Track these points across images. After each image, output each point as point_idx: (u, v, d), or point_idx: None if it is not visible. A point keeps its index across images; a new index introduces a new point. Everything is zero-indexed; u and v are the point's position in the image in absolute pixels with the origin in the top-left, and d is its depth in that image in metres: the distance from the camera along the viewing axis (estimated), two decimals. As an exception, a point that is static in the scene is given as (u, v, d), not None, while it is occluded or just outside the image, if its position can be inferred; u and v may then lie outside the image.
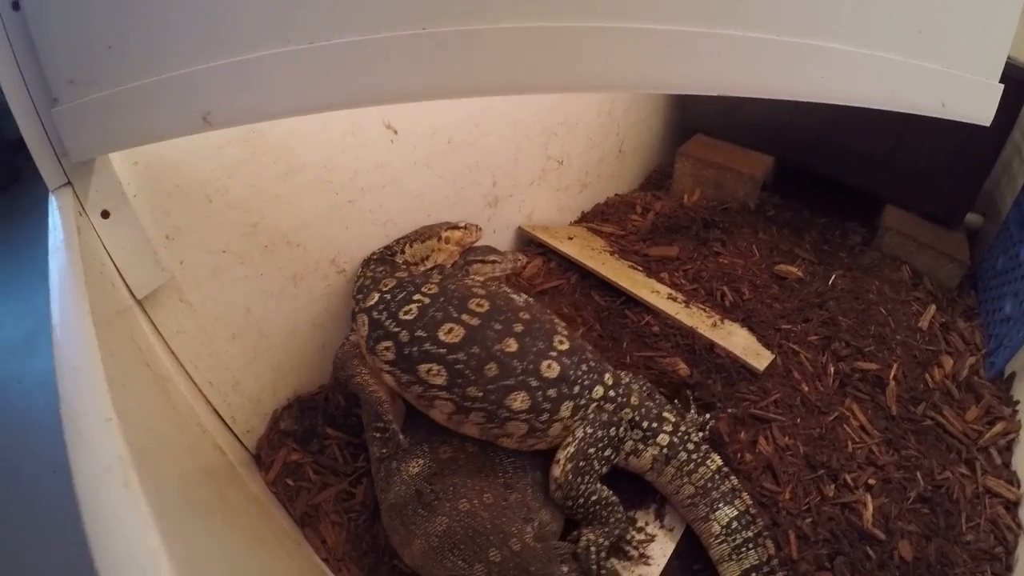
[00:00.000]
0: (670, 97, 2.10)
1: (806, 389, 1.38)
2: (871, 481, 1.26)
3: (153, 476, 0.57)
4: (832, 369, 1.44)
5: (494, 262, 1.48)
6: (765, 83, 0.73)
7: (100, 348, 0.66)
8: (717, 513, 1.13)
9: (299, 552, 1.04)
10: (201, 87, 0.73)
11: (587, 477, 1.11)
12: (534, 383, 1.08)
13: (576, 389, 1.12)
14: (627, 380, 1.21)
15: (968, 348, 1.54)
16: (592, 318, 1.57)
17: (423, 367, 1.09)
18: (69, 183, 0.90)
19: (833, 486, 1.25)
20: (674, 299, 1.58)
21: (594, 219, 1.97)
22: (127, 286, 1.02)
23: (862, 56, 0.73)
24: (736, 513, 1.12)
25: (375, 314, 1.16)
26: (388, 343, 1.12)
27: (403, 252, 1.40)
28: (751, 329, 1.51)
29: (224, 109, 0.75)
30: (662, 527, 1.21)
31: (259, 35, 0.70)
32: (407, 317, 1.12)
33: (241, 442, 1.33)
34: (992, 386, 1.45)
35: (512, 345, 1.09)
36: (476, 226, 1.55)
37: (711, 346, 1.46)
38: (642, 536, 1.19)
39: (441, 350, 1.08)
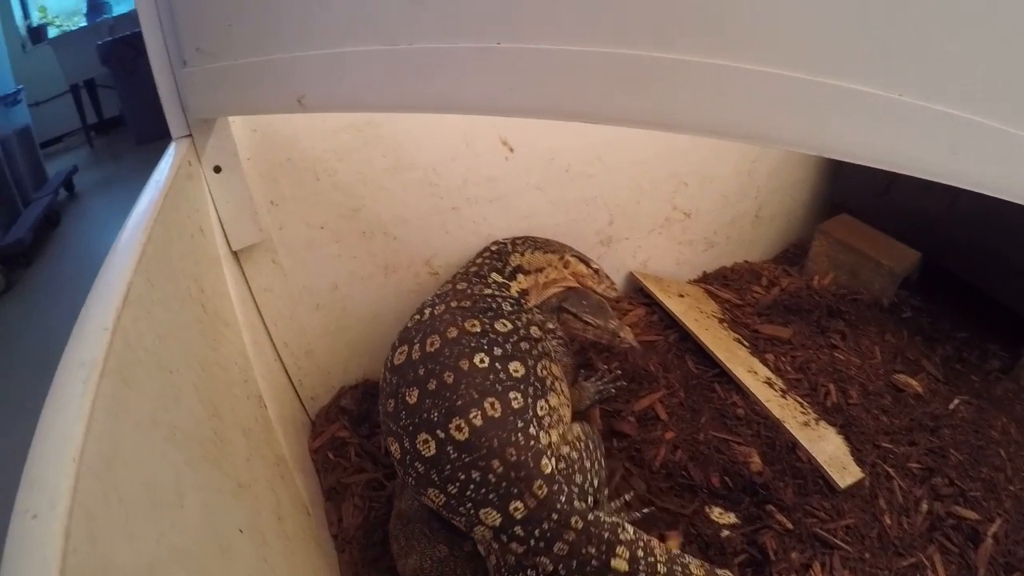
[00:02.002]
0: (819, 168, 1.91)
1: (888, 522, 1.18)
2: (932, 652, 1.06)
3: (125, 388, 0.61)
4: (925, 507, 1.21)
5: (587, 324, 1.32)
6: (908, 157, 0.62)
7: (139, 274, 0.73)
8: None
9: (303, 520, 1.07)
10: (299, 72, 0.79)
11: None
12: (407, 444, 0.97)
13: (451, 488, 0.93)
14: (558, 517, 0.91)
15: (1099, 523, 1.22)
16: (677, 383, 1.47)
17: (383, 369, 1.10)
18: (190, 135, 1.02)
19: (887, 644, 1.06)
20: (771, 385, 1.43)
21: (714, 282, 1.85)
22: (226, 236, 1.13)
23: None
24: None
25: None
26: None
27: (521, 255, 1.35)
28: (847, 438, 1.32)
29: (317, 95, 0.80)
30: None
31: (349, 31, 0.74)
32: (408, 324, 1.11)
33: (303, 405, 1.42)
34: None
35: (412, 396, 0.98)
36: (611, 281, 1.47)
37: (794, 445, 1.29)
38: None
39: (387, 364, 1.07)
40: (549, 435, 1.01)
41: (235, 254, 1.17)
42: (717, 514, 1.23)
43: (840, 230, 1.78)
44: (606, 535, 0.91)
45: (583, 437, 1.07)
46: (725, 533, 1.19)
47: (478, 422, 0.94)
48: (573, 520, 0.91)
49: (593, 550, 0.90)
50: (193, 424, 0.74)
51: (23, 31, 5.28)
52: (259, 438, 0.98)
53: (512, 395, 1.00)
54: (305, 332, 1.35)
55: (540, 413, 1.02)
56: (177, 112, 1.00)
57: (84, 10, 5.47)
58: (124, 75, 4.80)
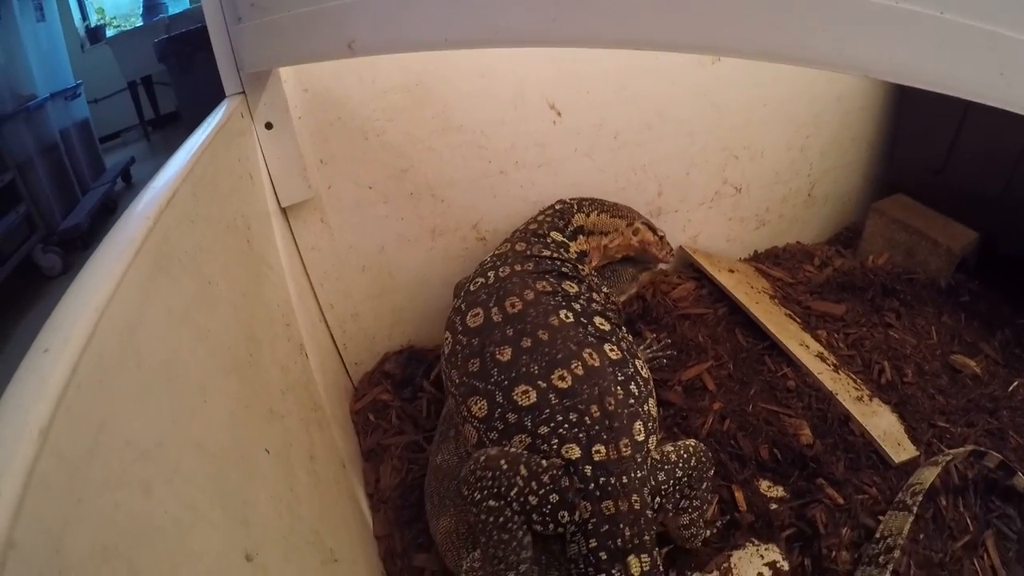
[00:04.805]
0: (874, 149, 1.85)
1: (943, 503, 1.12)
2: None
3: (159, 272, 0.62)
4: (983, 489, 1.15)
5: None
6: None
7: (187, 184, 0.73)
8: None
9: (338, 471, 1.07)
10: (348, 17, 0.80)
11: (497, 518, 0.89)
12: (499, 398, 0.96)
13: (542, 430, 0.92)
14: (626, 483, 0.89)
15: None
16: (727, 355, 1.43)
17: (446, 333, 1.10)
18: (243, 92, 1.04)
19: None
20: (823, 359, 1.38)
21: (765, 261, 1.80)
22: (275, 192, 1.15)
23: None
24: None
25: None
26: (455, 301, 1.16)
27: (586, 216, 1.35)
28: (901, 416, 1.27)
29: (366, 38, 0.81)
30: None
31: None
32: (472, 287, 1.13)
33: (347, 370, 1.43)
34: None
35: (505, 354, 0.99)
36: (671, 248, 1.51)
37: (847, 419, 1.25)
38: None
39: (459, 327, 1.07)
40: (648, 404, 1.01)
41: (283, 211, 1.18)
42: (765, 487, 1.19)
43: (895, 209, 1.71)
44: (647, 538, 0.89)
45: (695, 451, 0.99)
46: (773, 506, 1.16)
47: (580, 371, 0.97)
48: (633, 498, 0.89)
49: (628, 533, 0.87)
50: (229, 338, 0.73)
51: (82, 32, 5.48)
52: (296, 379, 0.98)
53: (607, 347, 1.02)
54: (351, 294, 1.36)
55: (643, 373, 1.04)
56: (231, 69, 1.02)
57: (140, 11, 5.65)
58: (180, 71, 4.91)
